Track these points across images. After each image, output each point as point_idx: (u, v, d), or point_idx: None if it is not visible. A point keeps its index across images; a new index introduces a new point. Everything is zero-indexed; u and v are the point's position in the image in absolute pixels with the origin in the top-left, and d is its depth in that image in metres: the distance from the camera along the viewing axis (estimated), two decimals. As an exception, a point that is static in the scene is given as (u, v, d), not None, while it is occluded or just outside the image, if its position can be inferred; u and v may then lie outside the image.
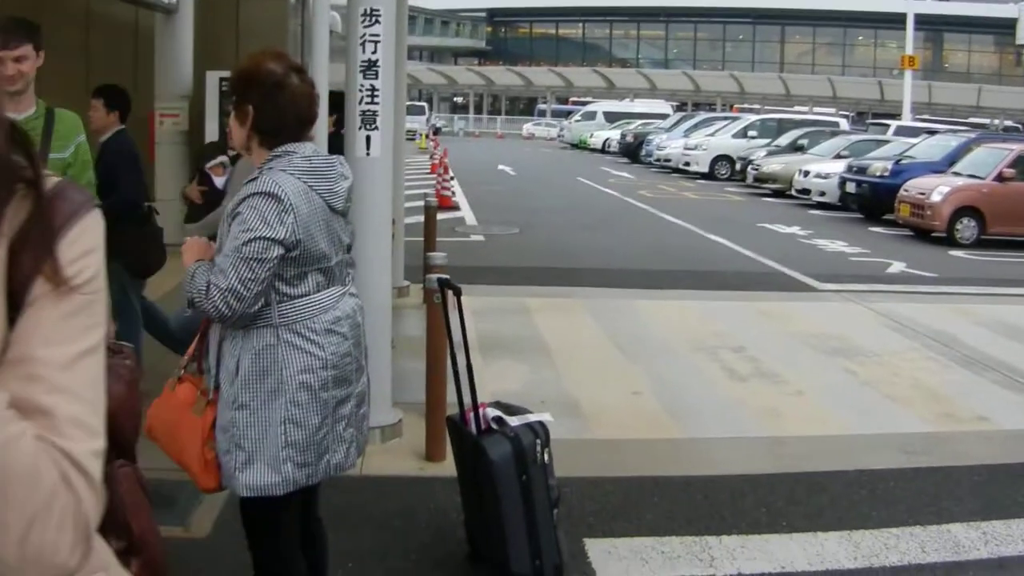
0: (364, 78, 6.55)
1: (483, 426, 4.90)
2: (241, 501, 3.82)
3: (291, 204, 3.53)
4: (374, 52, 6.54)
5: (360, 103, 6.56)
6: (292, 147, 3.68)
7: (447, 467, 6.10)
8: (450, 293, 5.36)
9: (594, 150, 52.75)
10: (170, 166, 14.00)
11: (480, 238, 17.82)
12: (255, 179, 3.61)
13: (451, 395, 6.23)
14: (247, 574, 4.01)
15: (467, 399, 5.04)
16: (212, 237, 3.94)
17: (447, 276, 5.41)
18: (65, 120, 5.17)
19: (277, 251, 3.50)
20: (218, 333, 3.72)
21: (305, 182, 3.62)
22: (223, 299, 3.47)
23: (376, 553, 5.30)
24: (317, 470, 3.74)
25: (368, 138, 6.56)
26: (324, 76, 6.29)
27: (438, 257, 7.35)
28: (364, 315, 3.96)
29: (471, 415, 4.94)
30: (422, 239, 12.02)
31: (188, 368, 3.93)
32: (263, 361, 3.60)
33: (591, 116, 60.85)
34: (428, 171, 29.46)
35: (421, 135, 49.91)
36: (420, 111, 60.86)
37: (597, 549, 5.40)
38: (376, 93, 6.56)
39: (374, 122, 6.56)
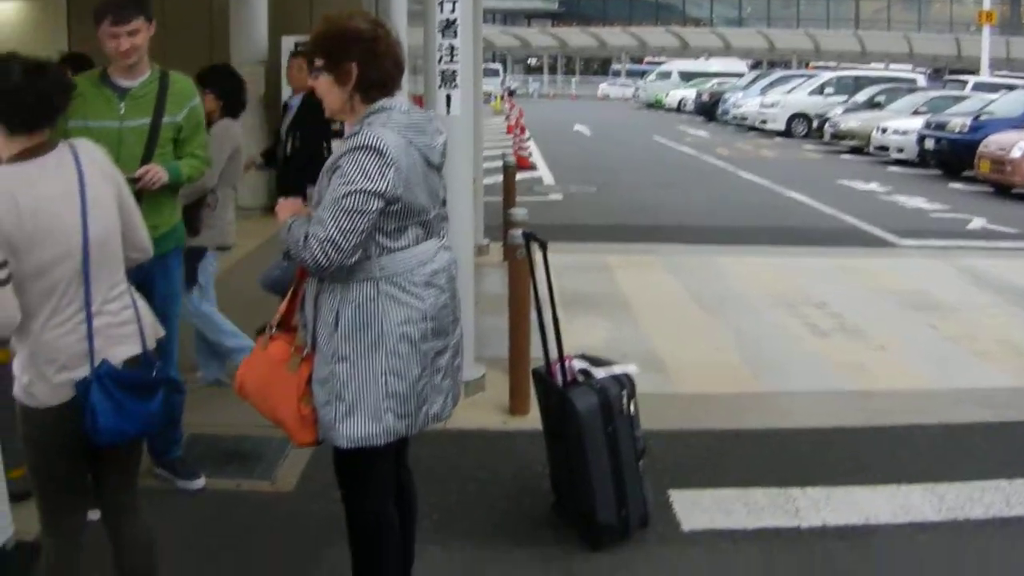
0: (443, 37, 6.60)
1: (569, 378, 4.93)
2: (337, 453, 3.88)
3: (392, 158, 3.57)
4: (452, 11, 6.59)
5: (440, 62, 6.61)
6: (388, 103, 3.73)
7: (530, 420, 6.16)
8: (535, 248, 5.37)
9: (669, 109, 52.41)
10: (248, 131, 14.06)
11: (558, 197, 17.79)
12: (356, 133, 3.65)
13: (534, 350, 6.30)
14: (334, 526, 4.08)
15: (553, 352, 5.06)
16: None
17: (532, 231, 5.41)
18: (179, 84, 5.25)
19: (377, 204, 3.55)
20: (314, 288, 3.78)
21: (404, 136, 3.66)
22: (321, 249, 3.52)
23: (462, 505, 5.37)
24: (416, 420, 3.80)
25: (448, 96, 6.61)
26: (404, 38, 6.31)
27: (519, 213, 7.34)
28: (458, 268, 4.00)
29: (557, 367, 4.97)
30: (500, 199, 12.04)
31: (280, 326, 3.99)
32: (363, 313, 3.65)
33: (666, 75, 60.42)
34: (504, 132, 29.41)
35: (496, 97, 49.78)
36: (495, 73, 60.71)
37: (682, 500, 5.44)
38: (455, 52, 6.61)
39: (454, 80, 6.60)
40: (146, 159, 5.07)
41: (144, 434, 3.81)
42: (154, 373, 3.74)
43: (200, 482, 5.64)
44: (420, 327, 3.71)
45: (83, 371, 3.55)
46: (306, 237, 3.57)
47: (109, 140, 4.73)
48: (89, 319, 3.58)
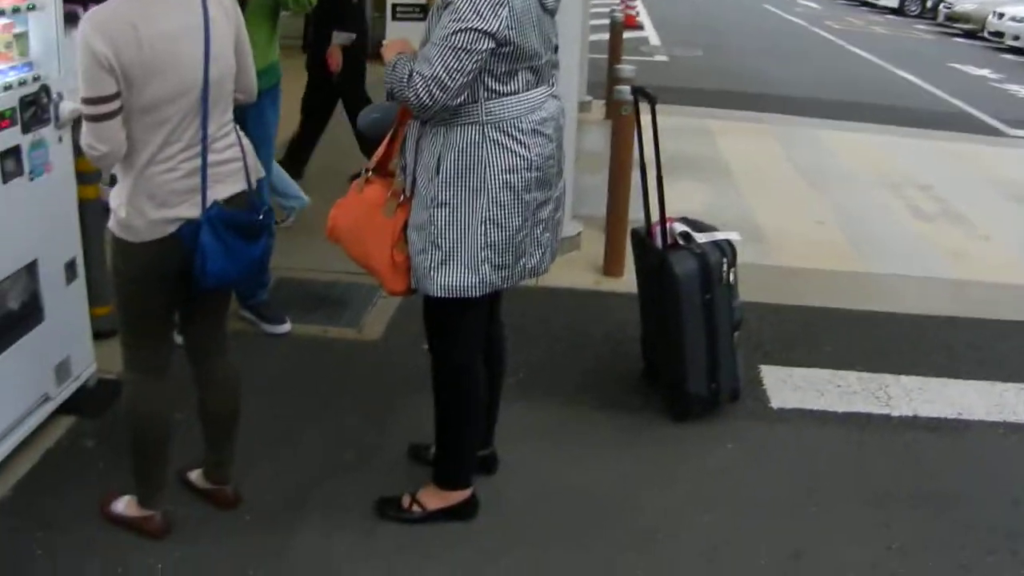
0: None
1: (669, 241, 4.79)
2: (428, 301, 3.80)
3: None
4: None
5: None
6: None
7: (624, 283, 6.09)
8: (641, 106, 5.19)
9: (781, -24, 51.03)
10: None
11: (663, 58, 17.46)
12: None
13: (632, 212, 6.18)
14: (419, 377, 4.02)
15: (654, 213, 4.91)
16: None
17: (640, 86, 5.22)
18: None
19: (487, 44, 3.38)
20: (415, 131, 3.64)
21: None
22: (425, 87, 3.38)
23: (550, 365, 5.31)
24: (513, 273, 3.69)
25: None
26: None
27: (626, 70, 7.19)
28: (566, 118, 3.84)
29: (657, 229, 4.83)
30: (605, 56, 11.81)
31: (377, 170, 3.88)
32: (466, 158, 3.52)
33: (779, -59, 58.82)
34: (612, -12, 28.87)
35: (604, -49, 48.78)
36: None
37: (773, 377, 5.34)
38: None
39: (567, -73, 6.33)
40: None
41: (247, 278, 3.74)
42: (260, 216, 3.67)
43: (286, 327, 5.63)
44: (524, 176, 3.57)
45: (185, 209, 3.48)
46: (410, 75, 3.42)
47: None
48: (204, 157, 3.51)
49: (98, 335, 4.97)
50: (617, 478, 4.43)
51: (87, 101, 3.33)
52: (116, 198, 3.52)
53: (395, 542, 4.00)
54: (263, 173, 3.86)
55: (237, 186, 3.63)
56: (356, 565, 3.88)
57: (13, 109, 4.08)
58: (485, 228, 3.55)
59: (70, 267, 4.56)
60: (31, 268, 4.31)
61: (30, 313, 4.38)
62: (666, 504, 4.28)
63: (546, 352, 5.42)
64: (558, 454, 4.57)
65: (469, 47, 3.35)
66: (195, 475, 4.19)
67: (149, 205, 3.45)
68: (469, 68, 3.38)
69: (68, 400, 4.69)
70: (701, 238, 4.78)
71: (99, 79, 3.28)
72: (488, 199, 3.53)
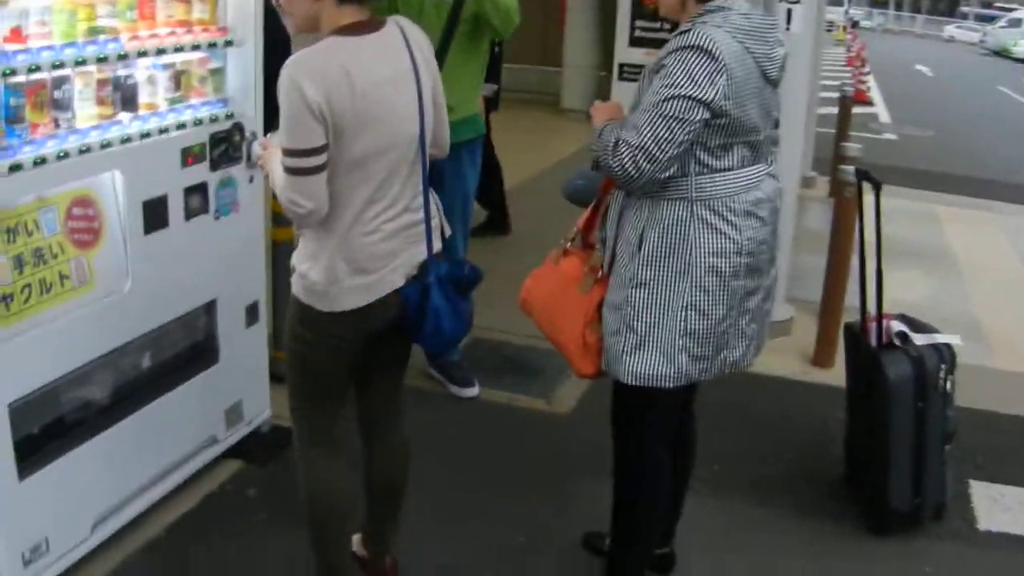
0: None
1: (884, 340, 4.43)
2: (617, 387, 3.53)
3: (725, 64, 3.10)
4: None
5: (784, -26, 6.03)
6: (726, 2, 3.25)
7: (833, 375, 5.74)
8: (865, 189, 4.85)
9: (1018, 59, 49.46)
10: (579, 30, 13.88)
11: (892, 137, 16.92)
12: (686, 32, 3.18)
13: (849, 298, 5.81)
14: (604, 459, 3.75)
15: (871, 307, 4.58)
16: None
17: (866, 169, 4.89)
18: None
19: (701, 114, 3.10)
20: (619, 203, 3.39)
21: (741, 43, 3.18)
22: (632, 157, 3.10)
23: (747, 457, 5.01)
24: (712, 365, 3.38)
25: (789, 11, 6.02)
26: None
27: (853, 148, 6.87)
28: (783, 199, 3.52)
29: (872, 325, 4.48)
30: (832, 131, 11.44)
31: (575, 241, 3.66)
32: (671, 237, 3.23)
33: (1017, 23, 57.06)
34: (844, 64, 28.25)
35: (839, 27, 48.15)
36: (838, 2, 58.77)
37: (982, 494, 4.89)
38: (799, -36, 6.02)
39: (798, -6, 6.03)
40: (446, 37, 4.79)
41: (462, 337, 3.51)
42: (465, 270, 3.42)
43: (474, 390, 5.48)
44: (733, 261, 3.26)
45: (386, 274, 3.25)
46: (616, 143, 3.15)
47: (409, 11, 4.49)
48: (427, 214, 3.33)
49: (279, 379, 4.87)
50: (801, 595, 4.09)
51: (293, 153, 3.04)
52: (304, 260, 3.27)
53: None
54: (448, 232, 3.61)
55: (423, 250, 3.39)
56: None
57: (203, 145, 4.01)
58: (686, 314, 3.26)
59: (251, 310, 4.48)
60: (209, 308, 4.24)
61: (205, 353, 4.30)
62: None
63: (743, 444, 5.10)
64: (741, 561, 4.25)
65: (681, 116, 3.07)
66: (354, 540, 3.99)
67: (345, 271, 3.20)
68: (680, 139, 3.09)
69: (237, 444, 4.60)
70: (919, 339, 4.40)
71: (308, 129, 3.01)
72: (691, 283, 3.24)
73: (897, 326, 4.49)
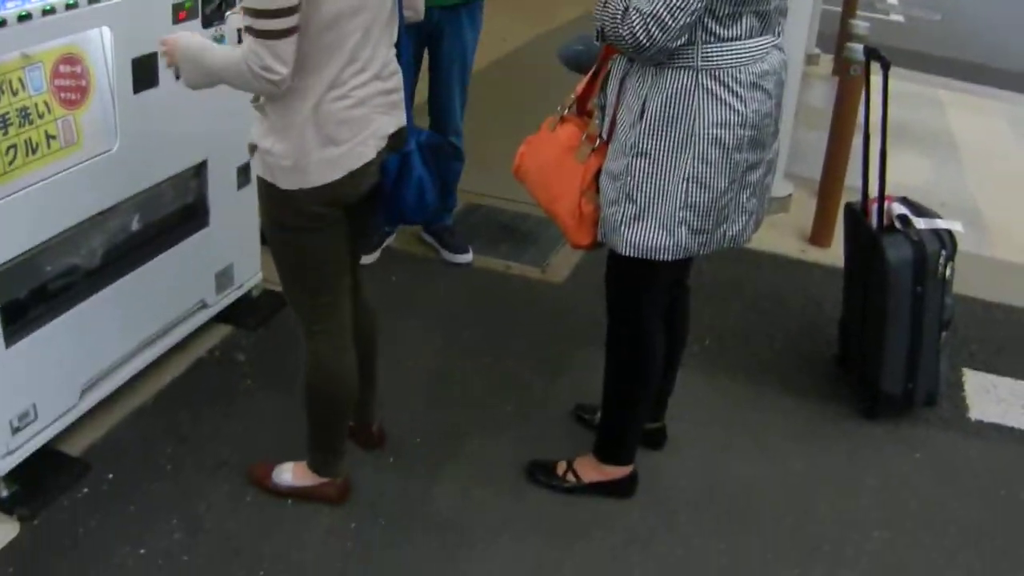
0: None
1: (885, 222, 4.36)
2: (613, 257, 3.46)
3: None
4: None
5: None
6: None
7: (830, 255, 5.71)
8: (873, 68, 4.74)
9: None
10: None
11: (899, 18, 16.56)
12: None
13: (849, 178, 5.75)
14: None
15: (872, 189, 4.49)
16: None
17: (875, 47, 4.77)
18: None
19: None
20: (621, 69, 3.27)
21: None
22: (643, 25, 2.98)
23: (738, 336, 4.97)
24: (712, 239, 3.31)
25: None
26: None
27: (861, 26, 6.67)
28: (788, 72, 3.41)
29: (874, 207, 4.41)
30: (839, 8, 11.23)
31: (572, 109, 3.56)
32: (675, 106, 3.13)
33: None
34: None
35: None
36: None
37: (975, 383, 4.84)
38: None
39: None
40: None
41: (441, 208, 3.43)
42: (442, 139, 3.35)
43: (467, 256, 5.41)
44: (737, 134, 3.16)
45: (358, 144, 3.11)
46: (626, 10, 3.02)
47: None
48: (406, 83, 3.23)
49: (265, 240, 4.81)
50: (788, 475, 4.07)
51: (262, 14, 2.83)
52: (267, 136, 3.10)
53: (539, 510, 3.75)
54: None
55: (402, 119, 3.27)
56: (494, 528, 3.65)
57: (194, 0, 3.85)
58: (687, 186, 3.18)
59: (243, 171, 4.38)
60: (199, 169, 4.16)
61: (195, 215, 4.23)
62: (837, 512, 3.90)
63: (736, 321, 5.06)
64: (730, 438, 4.23)
65: None
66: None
67: (314, 142, 3.04)
68: (693, 7, 2.96)
69: (227, 309, 4.56)
70: (920, 223, 4.33)
71: None
72: (694, 154, 3.15)
73: (899, 208, 4.40)
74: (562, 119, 3.55)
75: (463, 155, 5.24)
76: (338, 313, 3.43)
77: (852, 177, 5.77)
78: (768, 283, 5.47)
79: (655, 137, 3.16)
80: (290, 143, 3.05)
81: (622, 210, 3.25)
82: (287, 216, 3.20)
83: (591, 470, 3.82)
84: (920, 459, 4.26)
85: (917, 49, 13.32)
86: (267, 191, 3.18)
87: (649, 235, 3.24)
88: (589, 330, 4.57)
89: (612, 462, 3.80)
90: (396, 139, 3.22)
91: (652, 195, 3.20)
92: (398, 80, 3.23)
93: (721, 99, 3.11)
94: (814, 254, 5.88)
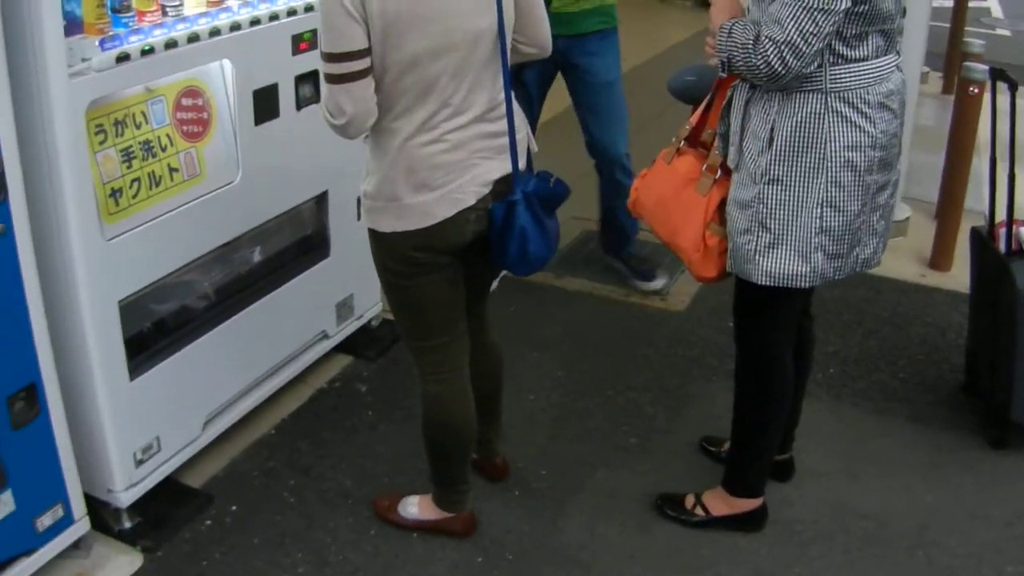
0: None
1: (1015, 247, 4.23)
2: (744, 286, 3.39)
3: None
4: None
5: None
6: None
7: (952, 279, 5.58)
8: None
9: None
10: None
11: (1006, 32, 16.34)
12: None
13: (968, 201, 5.66)
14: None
15: (999, 212, 4.35)
16: None
17: (1001, 68, 4.66)
18: None
19: (845, 3, 2.90)
20: (743, 96, 3.22)
21: None
22: (777, 53, 2.92)
23: (862, 364, 4.84)
24: (846, 263, 3.25)
25: None
26: None
27: (976, 44, 6.59)
28: (907, 91, 3.33)
29: (1002, 231, 4.28)
30: (943, 24, 11.06)
31: (688, 140, 3.50)
32: (806, 131, 3.07)
33: None
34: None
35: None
36: None
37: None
38: None
39: None
40: None
41: (548, 260, 3.33)
42: (551, 184, 3.20)
43: (655, 284, 5.38)
44: (867, 155, 3.10)
45: (455, 190, 3.04)
46: (757, 39, 2.97)
47: None
48: (510, 118, 3.10)
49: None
50: (917, 507, 3.95)
51: (332, 58, 2.83)
52: (364, 178, 3.11)
53: (667, 544, 3.69)
54: (535, 148, 3.36)
55: (506, 166, 3.16)
56: (620, 563, 3.60)
57: (314, 32, 3.83)
58: (822, 211, 3.12)
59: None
60: (320, 200, 4.17)
61: (316, 246, 4.25)
62: (968, 546, 3.77)
63: (859, 348, 4.94)
64: (856, 470, 4.12)
65: (826, 7, 2.88)
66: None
67: (405, 187, 3.00)
68: (826, 31, 2.91)
69: (347, 340, 4.57)
70: (1052, 247, 4.21)
71: (345, 32, 2.82)
72: (827, 178, 3.09)
73: (1028, 232, 4.30)
74: (679, 151, 3.50)
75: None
76: (450, 358, 3.39)
77: (969, 199, 5.70)
78: (889, 309, 5.35)
79: (786, 163, 3.10)
80: (382, 185, 3.04)
81: (755, 239, 3.20)
82: (389, 261, 3.19)
83: (720, 503, 3.75)
84: (1049, 488, 4.14)
85: (1026, 64, 13.03)
86: (371, 235, 3.18)
87: (785, 263, 3.19)
88: (711, 360, 4.53)
89: (742, 494, 3.74)
90: (503, 185, 3.14)
91: (786, 222, 3.15)
92: (504, 124, 3.13)
93: (851, 121, 3.06)
94: (934, 278, 5.74)
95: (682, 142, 3.50)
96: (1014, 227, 4.26)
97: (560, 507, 3.83)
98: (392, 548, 3.60)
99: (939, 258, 5.82)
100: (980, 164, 5.83)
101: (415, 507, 3.69)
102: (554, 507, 3.83)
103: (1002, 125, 4.37)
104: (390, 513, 3.71)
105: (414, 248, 3.09)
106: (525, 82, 4.79)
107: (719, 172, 3.34)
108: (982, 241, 4.44)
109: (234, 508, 3.75)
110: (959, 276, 5.04)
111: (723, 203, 3.33)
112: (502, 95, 3.10)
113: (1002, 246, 4.25)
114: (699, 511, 3.77)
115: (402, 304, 3.31)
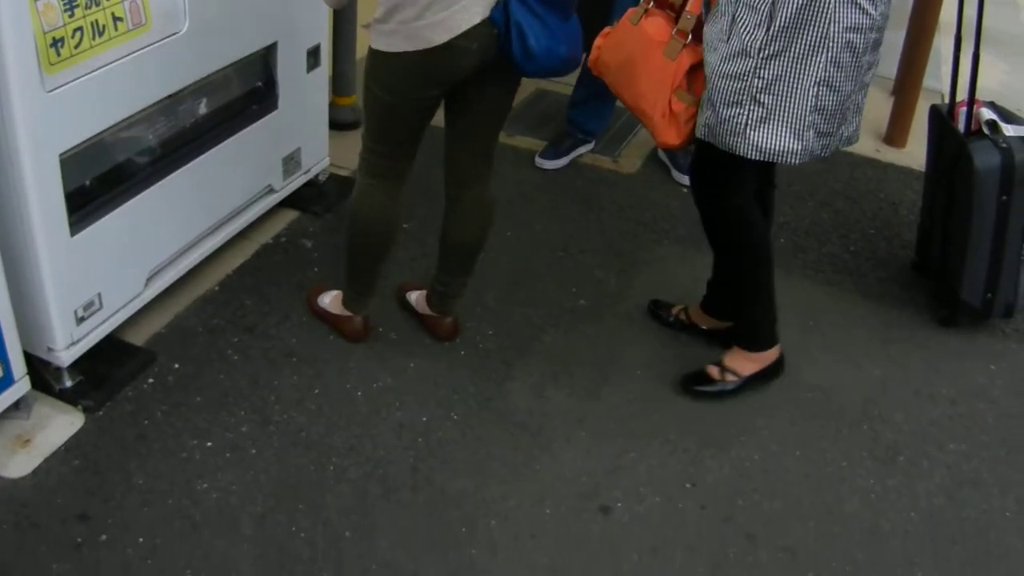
0: None
1: (974, 127, 4.21)
2: (708, 153, 3.35)
3: None
4: None
5: None
6: None
7: (906, 155, 5.58)
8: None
9: None
10: None
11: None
12: None
13: (925, 79, 5.64)
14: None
15: (961, 92, 4.33)
16: None
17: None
18: None
19: None
20: None
21: None
22: None
23: (815, 233, 4.87)
24: (832, 141, 3.26)
25: None
26: None
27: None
28: None
29: (962, 111, 4.25)
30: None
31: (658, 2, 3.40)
32: (810, 9, 2.99)
33: None
34: None
35: None
36: None
37: (1055, 299, 4.72)
38: None
39: None
40: None
41: (575, 60, 3.20)
42: None
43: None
44: (866, 37, 3.08)
45: (456, 11, 2.97)
46: None
47: None
48: None
49: (338, 126, 4.69)
50: (865, 382, 3.98)
51: None
52: (377, 12, 3.07)
53: (615, 410, 3.70)
54: None
55: None
56: (568, 426, 3.60)
57: None
58: (818, 90, 3.09)
59: (313, 54, 4.26)
60: (269, 51, 4.03)
61: (264, 99, 4.12)
62: (913, 423, 3.81)
63: (811, 221, 4.94)
64: (806, 343, 4.14)
65: None
66: (415, 296, 3.94)
67: (413, 9, 2.96)
68: None
69: (294, 194, 4.48)
70: (1010, 130, 4.16)
71: None
72: (828, 58, 3.05)
73: (987, 114, 4.23)
74: (647, 11, 3.39)
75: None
76: (396, 167, 3.45)
77: (928, 79, 5.67)
78: (842, 181, 5.34)
79: (787, 39, 3.04)
80: (392, 11, 3.00)
81: (746, 113, 3.14)
82: (386, 77, 3.19)
83: (747, 362, 3.78)
84: (996, 371, 4.16)
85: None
86: (374, 55, 3.16)
87: (777, 138, 3.15)
88: (663, 224, 4.51)
89: (764, 348, 3.78)
90: None
91: (781, 98, 3.11)
92: None
93: (855, 2, 3.01)
94: (889, 154, 5.72)
95: (651, 2, 3.40)
96: (975, 107, 4.22)
97: (508, 369, 3.81)
98: (336, 408, 3.57)
99: (895, 134, 5.79)
100: (939, 42, 5.80)
101: (329, 298, 3.87)
102: (502, 369, 3.81)
103: (969, 7, 4.32)
104: (312, 298, 3.92)
105: (414, 70, 3.10)
106: None
107: (689, 37, 3.26)
108: (942, 119, 4.41)
109: (177, 366, 3.70)
110: (914, 153, 5.02)
111: (691, 69, 3.26)
112: None
113: (961, 125, 4.22)
114: (730, 376, 3.78)
115: (378, 119, 3.34)
